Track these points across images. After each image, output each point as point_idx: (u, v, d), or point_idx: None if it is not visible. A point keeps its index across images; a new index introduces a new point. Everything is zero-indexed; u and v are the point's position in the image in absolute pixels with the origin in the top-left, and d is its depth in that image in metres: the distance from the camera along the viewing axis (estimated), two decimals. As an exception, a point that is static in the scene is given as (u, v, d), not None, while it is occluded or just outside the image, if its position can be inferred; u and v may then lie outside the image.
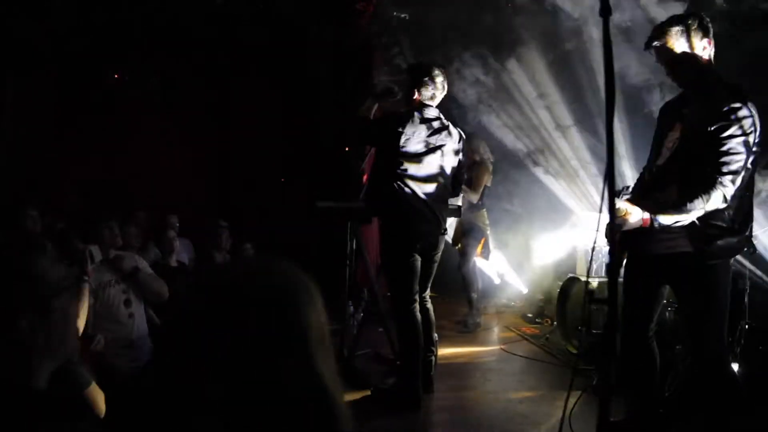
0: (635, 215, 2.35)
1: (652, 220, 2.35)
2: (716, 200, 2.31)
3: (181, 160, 6.93)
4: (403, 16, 6.07)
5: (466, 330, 5.32)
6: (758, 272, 3.88)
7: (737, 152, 2.33)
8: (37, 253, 1.26)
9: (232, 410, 0.79)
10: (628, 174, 4.86)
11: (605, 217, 2.92)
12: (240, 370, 0.79)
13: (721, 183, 2.30)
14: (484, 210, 5.48)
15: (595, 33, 4.92)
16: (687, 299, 2.53)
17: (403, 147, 3.39)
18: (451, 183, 3.63)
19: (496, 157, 5.55)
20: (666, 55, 2.48)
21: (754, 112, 2.36)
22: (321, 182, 6.37)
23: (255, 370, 0.80)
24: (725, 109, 2.35)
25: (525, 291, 6.31)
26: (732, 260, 2.51)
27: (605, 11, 1.50)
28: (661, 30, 2.48)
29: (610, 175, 1.42)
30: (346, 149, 6.73)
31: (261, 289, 0.86)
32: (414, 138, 3.42)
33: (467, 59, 5.78)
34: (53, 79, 6.69)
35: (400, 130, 3.39)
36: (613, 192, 1.40)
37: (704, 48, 2.45)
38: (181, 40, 6.45)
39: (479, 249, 5.46)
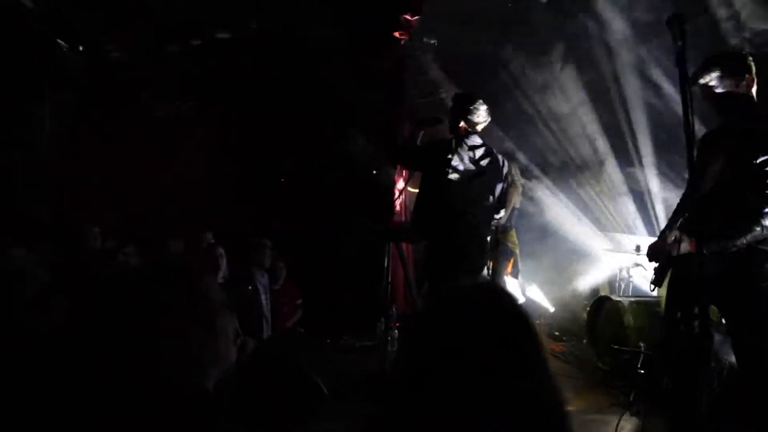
0: (686, 241, 2.53)
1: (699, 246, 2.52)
2: (764, 229, 2.49)
3: (214, 178, 7.14)
4: (432, 42, 6.29)
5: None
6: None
7: None
8: (208, 276, 1.43)
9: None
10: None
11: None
12: (499, 377, 0.94)
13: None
14: (514, 230, 5.67)
15: (630, 59, 5.15)
16: (734, 319, 2.68)
17: (450, 173, 3.59)
18: (495, 206, 3.81)
19: (527, 179, 5.76)
20: (711, 92, 2.65)
21: None
22: (353, 203, 6.56)
23: (512, 378, 0.95)
24: None
25: (552, 309, 6.45)
26: None
27: (683, 78, 1.68)
28: (707, 68, 2.65)
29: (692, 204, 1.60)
30: (374, 172, 6.94)
31: (506, 305, 1.03)
32: (461, 164, 3.62)
33: (498, 81, 6.01)
34: (90, 96, 6.94)
35: (449, 157, 3.60)
36: (698, 221, 1.57)
37: (747, 84, 2.63)
38: (214, 63, 6.69)
39: (509, 268, 5.63)
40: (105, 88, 6.83)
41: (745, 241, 2.51)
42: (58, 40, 5.85)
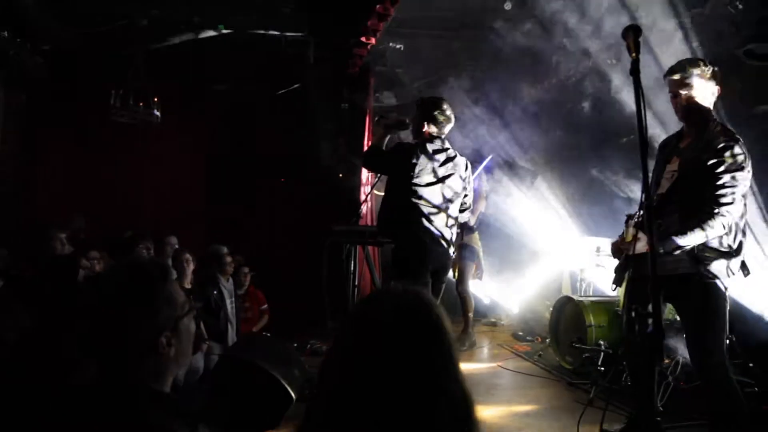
0: (642, 241, 2.64)
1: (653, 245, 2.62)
2: (717, 229, 2.62)
3: (177, 181, 7.05)
4: (398, 47, 6.36)
5: (463, 348, 5.54)
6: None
7: (732, 185, 2.64)
8: (171, 278, 1.45)
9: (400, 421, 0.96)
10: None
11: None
12: (404, 384, 0.97)
13: (719, 213, 2.60)
14: (477, 233, 5.79)
15: (588, 65, 5.33)
16: (688, 315, 2.81)
17: (416, 177, 3.65)
18: (458, 209, 3.88)
19: (491, 184, 5.89)
20: (679, 88, 2.77)
21: (745, 150, 2.69)
22: (319, 205, 6.57)
23: (416, 383, 0.97)
24: (720, 146, 2.67)
25: (516, 311, 6.59)
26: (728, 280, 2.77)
27: (637, 86, 1.77)
28: (682, 66, 2.78)
29: (647, 206, 1.68)
30: (340, 175, 6.97)
31: (416, 311, 1.05)
32: (426, 168, 3.68)
33: (461, 86, 6.11)
34: (46, 97, 6.77)
35: (414, 161, 3.65)
36: (651, 221, 1.65)
37: (712, 93, 2.78)
38: (179, 63, 6.61)
39: (474, 270, 5.73)
40: (66, 89, 6.68)
41: (696, 240, 2.63)
42: (17, 39, 5.67)
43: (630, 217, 2.82)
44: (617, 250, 2.94)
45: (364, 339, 1.03)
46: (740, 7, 4.10)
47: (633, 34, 1.89)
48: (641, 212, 2.79)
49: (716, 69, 2.77)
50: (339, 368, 1.04)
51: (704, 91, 2.75)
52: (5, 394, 1.86)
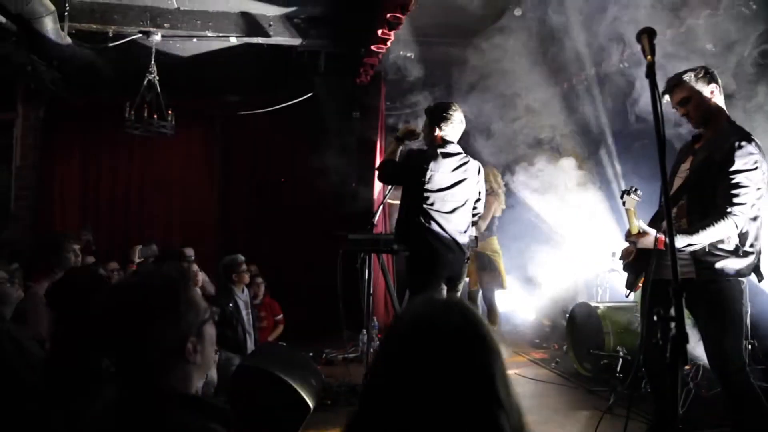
0: (650, 236, 2.64)
1: (665, 243, 2.60)
2: (728, 229, 2.59)
3: (189, 192, 7.10)
4: (408, 54, 6.38)
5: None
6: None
7: (745, 185, 2.61)
8: (192, 285, 1.46)
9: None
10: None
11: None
12: (436, 396, 0.96)
13: (731, 213, 2.57)
14: (494, 237, 5.73)
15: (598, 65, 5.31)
16: (702, 320, 2.76)
17: (428, 183, 3.65)
18: (471, 214, 3.87)
19: (507, 188, 5.86)
20: (679, 99, 2.80)
21: (759, 149, 2.66)
22: (332, 214, 6.58)
23: (448, 398, 0.96)
24: (733, 145, 2.64)
25: (532, 317, 6.53)
26: (743, 282, 2.72)
27: (653, 89, 1.76)
28: (674, 79, 2.82)
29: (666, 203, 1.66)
30: (353, 184, 6.98)
31: (455, 322, 1.04)
32: (438, 174, 3.68)
33: (472, 91, 6.10)
34: (63, 112, 6.87)
35: (425, 167, 3.66)
36: (670, 222, 1.62)
37: (711, 92, 2.77)
38: (190, 75, 6.68)
39: (495, 278, 5.67)
40: (81, 103, 6.78)
41: (706, 240, 2.59)
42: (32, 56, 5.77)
43: (626, 192, 2.81)
44: (624, 252, 2.94)
45: (420, 354, 1.01)
46: (754, 7, 4.06)
47: (648, 37, 1.87)
48: (637, 189, 2.79)
49: (705, 71, 2.78)
50: (394, 384, 1.01)
51: (700, 93, 2.75)
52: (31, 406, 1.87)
